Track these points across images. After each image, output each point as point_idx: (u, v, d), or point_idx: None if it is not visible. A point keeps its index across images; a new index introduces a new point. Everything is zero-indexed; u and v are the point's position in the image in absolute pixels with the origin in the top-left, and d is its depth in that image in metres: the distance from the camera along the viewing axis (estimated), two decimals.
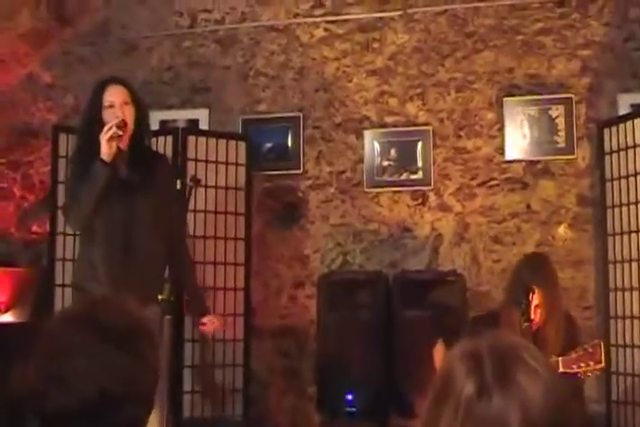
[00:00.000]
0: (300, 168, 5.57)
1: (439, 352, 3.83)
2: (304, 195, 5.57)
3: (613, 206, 4.80)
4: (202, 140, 5.19)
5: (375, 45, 5.55)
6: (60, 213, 5.12)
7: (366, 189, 5.46)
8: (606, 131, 4.89)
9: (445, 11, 5.46)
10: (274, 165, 5.60)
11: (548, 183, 5.19)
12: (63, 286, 5.03)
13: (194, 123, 5.73)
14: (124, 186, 3.52)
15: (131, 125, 3.54)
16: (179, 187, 3.79)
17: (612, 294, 4.77)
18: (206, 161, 5.15)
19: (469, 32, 5.41)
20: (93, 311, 1.50)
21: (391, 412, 4.71)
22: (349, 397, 4.74)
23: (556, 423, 1.19)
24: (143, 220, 3.57)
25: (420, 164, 5.37)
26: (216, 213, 5.15)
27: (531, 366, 1.22)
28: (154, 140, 3.95)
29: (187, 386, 4.92)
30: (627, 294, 4.64)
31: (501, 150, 5.27)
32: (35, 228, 5.92)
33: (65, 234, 5.14)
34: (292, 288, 5.53)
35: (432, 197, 5.36)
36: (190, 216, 4.73)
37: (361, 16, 5.59)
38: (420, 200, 5.37)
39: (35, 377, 1.42)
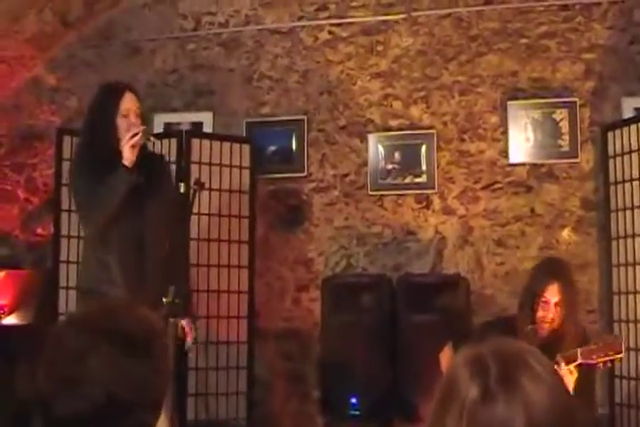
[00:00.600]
0: (303, 171, 5.58)
1: (446, 356, 3.82)
2: (308, 198, 5.57)
3: (617, 210, 4.79)
4: (206, 142, 5.19)
5: (379, 48, 5.56)
6: (63, 215, 5.15)
7: (370, 193, 5.46)
8: (610, 134, 4.89)
9: (449, 14, 5.46)
10: (278, 168, 5.60)
11: (551, 187, 5.19)
12: (67, 288, 5.03)
13: (198, 126, 5.73)
14: (135, 190, 3.54)
15: None
16: (182, 190, 3.79)
17: (615, 298, 4.77)
18: (210, 164, 5.15)
19: (473, 35, 5.41)
20: (110, 317, 1.49)
21: (395, 415, 4.71)
22: (353, 400, 4.74)
23: None
24: (154, 222, 3.61)
25: (423, 167, 5.37)
26: (220, 215, 5.16)
27: (535, 370, 1.22)
28: (157, 142, 3.97)
29: (191, 389, 4.92)
30: (630, 297, 4.64)
31: (505, 154, 5.27)
32: (39, 230, 5.93)
33: (69, 236, 5.14)
34: (295, 291, 5.53)
35: (436, 201, 5.36)
36: (194, 219, 4.73)
37: (365, 19, 5.60)
38: (423, 203, 5.37)
39: (44, 380, 1.41)
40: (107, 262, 3.56)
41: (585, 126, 5.17)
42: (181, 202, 3.82)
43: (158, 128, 5.60)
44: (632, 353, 4.53)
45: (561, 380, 1.29)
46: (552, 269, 3.74)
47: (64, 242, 5.18)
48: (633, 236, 4.66)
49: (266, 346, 5.41)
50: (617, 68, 5.15)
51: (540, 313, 3.59)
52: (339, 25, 5.65)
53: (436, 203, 5.35)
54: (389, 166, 5.43)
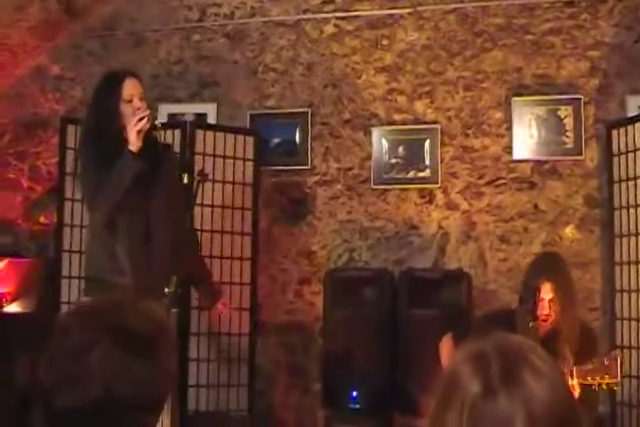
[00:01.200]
0: (307, 164, 5.58)
1: (446, 346, 3.81)
2: (311, 191, 5.58)
3: (621, 208, 4.79)
4: (210, 134, 5.19)
5: (384, 42, 5.55)
6: (67, 204, 5.15)
7: (373, 187, 5.46)
8: (615, 132, 4.88)
9: (455, 9, 5.46)
10: (281, 161, 5.60)
11: (555, 183, 5.18)
12: (70, 277, 5.04)
13: (202, 117, 5.73)
14: (141, 177, 3.53)
15: None
16: (186, 181, 3.79)
17: (618, 296, 4.77)
18: (214, 155, 5.15)
19: (478, 31, 5.41)
20: (116, 312, 1.48)
21: (395, 409, 4.71)
22: (354, 393, 4.75)
23: (562, 424, 1.19)
24: (160, 211, 3.61)
25: (427, 162, 5.37)
26: (223, 207, 5.15)
27: (536, 366, 1.22)
28: (162, 132, 3.96)
29: (192, 380, 4.93)
30: (633, 295, 4.64)
31: (509, 150, 5.27)
32: (42, 219, 5.93)
33: (72, 225, 5.15)
34: (298, 284, 5.53)
35: (439, 196, 5.35)
36: (197, 210, 4.73)
37: (371, 13, 5.59)
38: (427, 198, 5.37)
39: (46, 372, 1.41)
40: (114, 251, 3.56)
41: (589, 124, 5.16)
42: (185, 192, 3.82)
43: (162, 119, 5.59)
44: (634, 351, 4.54)
45: (562, 376, 1.29)
46: (546, 266, 3.74)
47: (67, 231, 5.19)
48: (636, 234, 4.65)
49: (268, 338, 5.42)
50: (622, 65, 5.14)
51: (538, 310, 3.60)
52: (344, 18, 5.64)
53: (440, 198, 5.35)
54: (393, 161, 5.43)
